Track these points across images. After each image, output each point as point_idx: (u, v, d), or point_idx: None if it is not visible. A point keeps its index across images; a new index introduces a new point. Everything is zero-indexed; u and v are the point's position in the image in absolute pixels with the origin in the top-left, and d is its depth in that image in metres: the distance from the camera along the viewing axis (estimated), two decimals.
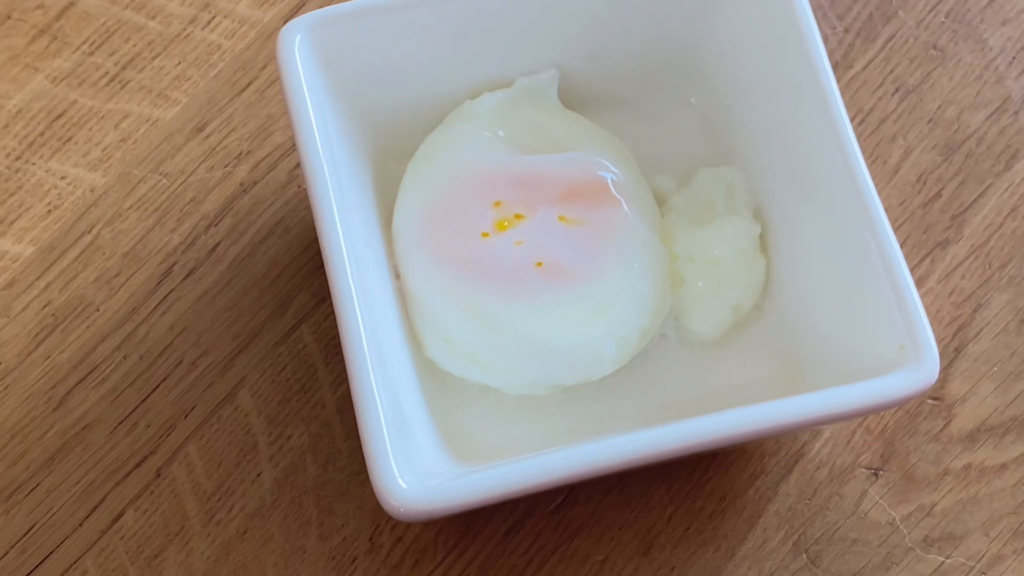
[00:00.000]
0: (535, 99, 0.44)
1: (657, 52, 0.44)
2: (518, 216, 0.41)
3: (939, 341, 0.44)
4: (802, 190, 0.41)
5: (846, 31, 0.48)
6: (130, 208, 0.45)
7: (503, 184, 0.42)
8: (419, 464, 0.36)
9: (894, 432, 0.43)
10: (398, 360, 0.39)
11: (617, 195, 0.42)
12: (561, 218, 0.41)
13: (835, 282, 0.40)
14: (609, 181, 0.42)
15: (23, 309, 0.44)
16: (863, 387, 0.36)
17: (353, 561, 0.41)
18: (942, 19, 0.49)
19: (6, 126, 0.46)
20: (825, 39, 0.47)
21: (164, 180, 0.46)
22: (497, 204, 0.42)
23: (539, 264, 0.41)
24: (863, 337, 0.38)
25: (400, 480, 0.34)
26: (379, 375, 0.36)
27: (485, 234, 0.41)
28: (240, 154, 0.46)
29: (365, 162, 0.42)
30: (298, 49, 0.40)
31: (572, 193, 0.42)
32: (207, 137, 0.46)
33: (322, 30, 0.40)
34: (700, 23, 0.43)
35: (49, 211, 0.45)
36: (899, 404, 0.37)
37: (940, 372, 0.42)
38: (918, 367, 0.36)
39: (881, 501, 0.42)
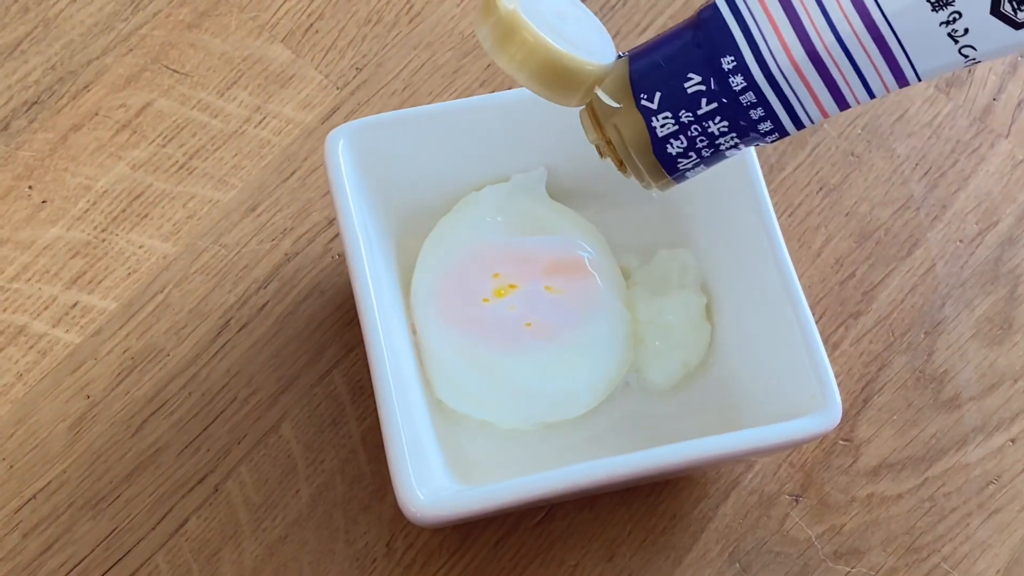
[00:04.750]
0: (528, 192, 0.45)
1: None
2: (512, 286, 0.43)
3: (850, 394, 0.46)
4: (739, 270, 0.43)
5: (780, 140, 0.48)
6: (195, 273, 0.47)
7: (501, 260, 0.44)
8: (431, 482, 0.38)
9: (812, 466, 0.45)
10: (414, 399, 0.41)
11: (592, 270, 0.44)
12: (547, 288, 0.43)
13: (764, 345, 0.42)
14: (585, 259, 0.44)
15: (108, 353, 0.45)
16: (781, 427, 0.39)
17: (373, 562, 0.43)
18: (859, 131, 0.51)
19: (94, 203, 0.48)
20: (762, 147, 0.48)
21: (223, 250, 0.47)
22: (496, 276, 0.43)
23: (528, 324, 0.43)
24: (784, 389, 0.41)
25: (418, 493, 0.37)
26: (402, 411, 0.39)
27: (486, 300, 0.43)
28: (285, 230, 0.48)
29: (390, 240, 0.44)
30: (341, 151, 0.42)
31: (556, 268, 0.44)
32: (258, 216, 0.48)
33: (359, 135, 0.43)
34: None
35: (129, 274, 0.47)
36: (809, 441, 0.40)
37: (850, 419, 0.45)
38: (824, 413, 0.39)
39: (800, 522, 0.44)
